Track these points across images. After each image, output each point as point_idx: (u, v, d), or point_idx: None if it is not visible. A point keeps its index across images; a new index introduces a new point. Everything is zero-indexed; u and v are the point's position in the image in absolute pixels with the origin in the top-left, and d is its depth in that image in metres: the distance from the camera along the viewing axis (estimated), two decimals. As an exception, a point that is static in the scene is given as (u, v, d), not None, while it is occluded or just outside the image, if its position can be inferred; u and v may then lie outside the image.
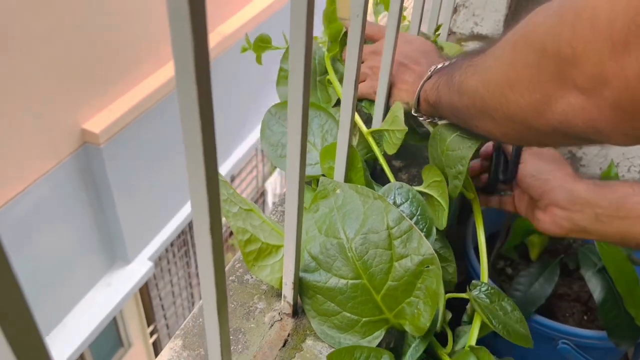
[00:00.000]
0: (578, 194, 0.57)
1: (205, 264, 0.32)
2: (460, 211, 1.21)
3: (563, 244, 1.08)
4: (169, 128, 2.66)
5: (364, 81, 0.69)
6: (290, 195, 0.43)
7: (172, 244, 3.18)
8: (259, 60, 0.68)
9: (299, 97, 0.37)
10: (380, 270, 0.43)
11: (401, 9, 0.57)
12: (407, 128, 0.57)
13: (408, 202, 0.51)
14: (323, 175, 0.59)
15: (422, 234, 0.42)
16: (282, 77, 0.69)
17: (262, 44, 0.67)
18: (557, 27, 0.34)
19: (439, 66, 0.58)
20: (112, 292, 2.63)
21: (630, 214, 0.55)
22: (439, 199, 0.54)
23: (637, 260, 0.86)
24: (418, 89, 0.60)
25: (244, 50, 0.68)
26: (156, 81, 2.49)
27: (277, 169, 3.82)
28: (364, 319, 0.44)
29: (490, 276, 0.95)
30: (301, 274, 0.47)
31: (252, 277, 0.56)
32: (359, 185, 0.46)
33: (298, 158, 0.40)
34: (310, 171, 0.59)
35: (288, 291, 0.50)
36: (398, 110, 0.59)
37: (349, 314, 0.44)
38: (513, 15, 0.99)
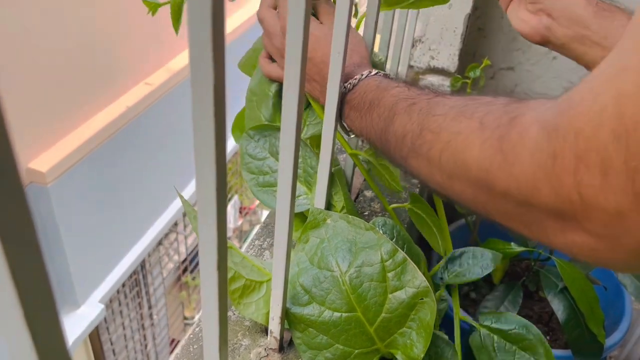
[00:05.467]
0: (574, 9, 0.54)
1: (210, 302, 0.32)
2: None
3: (522, 267, 1.11)
4: (119, 166, 2.60)
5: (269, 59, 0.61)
6: (280, 230, 0.43)
7: (123, 285, 3.07)
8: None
9: (292, 129, 0.38)
10: (375, 302, 0.43)
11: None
12: (401, 189, 0.58)
13: (393, 240, 0.52)
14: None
15: (416, 267, 0.43)
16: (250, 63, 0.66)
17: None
18: (554, 170, 0.29)
19: (345, 91, 0.51)
20: (60, 338, 2.50)
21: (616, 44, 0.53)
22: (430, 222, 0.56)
23: (594, 279, 0.91)
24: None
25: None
26: (106, 117, 2.44)
27: (231, 202, 3.78)
28: (356, 351, 0.45)
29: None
30: (292, 307, 0.46)
31: (234, 314, 0.56)
32: (349, 216, 0.47)
33: (289, 193, 0.41)
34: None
35: (275, 326, 0.50)
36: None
37: (342, 347, 0.44)
38: (466, 50, 1.04)
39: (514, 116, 0.33)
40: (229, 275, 0.50)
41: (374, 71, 0.52)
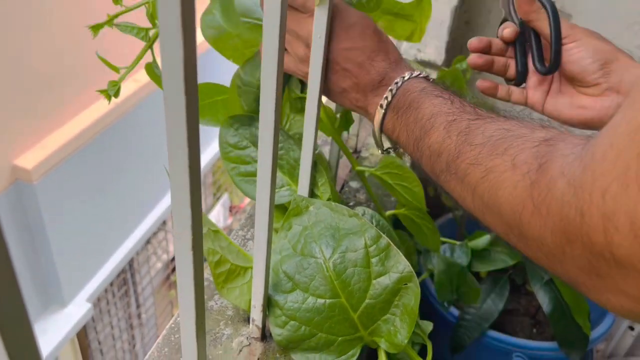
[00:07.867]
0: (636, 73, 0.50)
1: (186, 284, 0.31)
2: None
3: (509, 261, 1.11)
4: (107, 163, 2.58)
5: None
6: (260, 215, 0.43)
7: (111, 284, 3.04)
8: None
9: (271, 114, 0.37)
10: (359, 288, 0.43)
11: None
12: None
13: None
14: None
15: (400, 252, 0.43)
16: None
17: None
18: (582, 227, 0.28)
19: (390, 99, 0.47)
20: (47, 338, 2.48)
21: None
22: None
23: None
24: (378, 125, 0.49)
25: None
26: (94, 114, 2.42)
27: (220, 201, 3.76)
28: (340, 338, 0.44)
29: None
30: (275, 295, 0.46)
31: (216, 303, 0.55)
32: (332, 202, 0.46)
33: (269, 179, 0.40)
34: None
35: (257, 314, 0.49)
36: None
37: (325, 335, 0.44)
38: (453, 43, 1.04)
39: (543, 162, 0.33)
40: (215, 258, 0.49)
41: (416, 72, 0.49)
